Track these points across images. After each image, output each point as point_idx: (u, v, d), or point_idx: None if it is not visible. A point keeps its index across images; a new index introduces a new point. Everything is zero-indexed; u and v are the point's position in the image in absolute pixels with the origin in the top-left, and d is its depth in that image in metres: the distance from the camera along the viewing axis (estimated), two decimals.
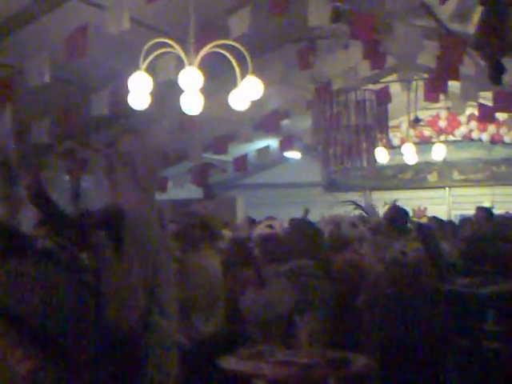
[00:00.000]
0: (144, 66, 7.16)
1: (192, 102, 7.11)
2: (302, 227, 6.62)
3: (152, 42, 7.10)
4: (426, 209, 17.53)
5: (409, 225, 7.80)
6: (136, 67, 7.20)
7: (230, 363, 5.60)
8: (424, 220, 13.80)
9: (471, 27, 7.22)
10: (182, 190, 15.24)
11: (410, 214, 11.59)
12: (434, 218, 11.81)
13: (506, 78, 7.56)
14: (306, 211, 11.97)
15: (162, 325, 4.80)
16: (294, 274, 6.09)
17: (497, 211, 14.61)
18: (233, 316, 6.80)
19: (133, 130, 10.59)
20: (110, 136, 10.68)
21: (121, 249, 4.68)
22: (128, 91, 7.36)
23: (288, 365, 5.35)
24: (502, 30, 5.37)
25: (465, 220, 11.74)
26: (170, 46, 7.25)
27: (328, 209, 12.40)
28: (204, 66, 7.25)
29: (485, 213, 9.97)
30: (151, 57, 7.25)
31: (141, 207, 4.88)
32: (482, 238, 9.12)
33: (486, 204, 15.79)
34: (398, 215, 7.31)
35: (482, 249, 8.62)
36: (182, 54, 7.14)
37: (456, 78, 8.87)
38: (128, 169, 4.88)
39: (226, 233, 9.87)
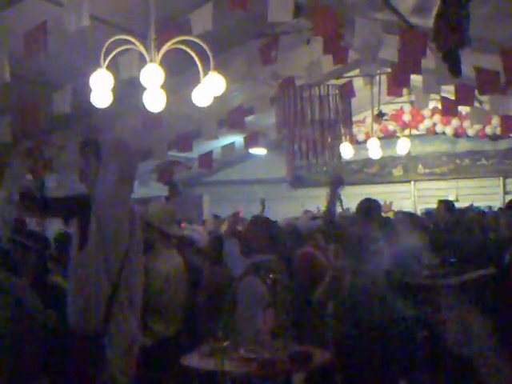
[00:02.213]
0: (105, 63, 7.11)
1: (154, 99, 7.07)
2: (260, 223, 6.61)
3: (112, 39, 7.05)
4: (391, 203, 17.60)
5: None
6: (98, 65, 7.15)
7: (192, 361, 5.59)
8: (390, 214, 13.85)
9: (432, 20, 7.25)
10: (147, 188, 15.17)
11: None
12: (401, 212, 11.85)
13: (466, 70, 7.63)
14: (263, 202, 12.01)
15: (123, 323, 4.78)
16: (260, 269, 6.09)
17: (461, 204, 14.75)
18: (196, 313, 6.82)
19: (96, 129, 10.54)
20: (77, 133, 10.60)
21: (85, 238, 4.68)
22: (90, 89, 7.31)
23: (251, 361, 5.35)
24: (458, 22, 5.41)
25: (429, 213, 11.83)
26: (132, 43, 7.20)
27: (294, 204, 12.42)
28: (167, 63, 7.21)
29: (446, 205, 10.04)
30: (112, 54, 7.19)
31: (117, 201, 4.88)
32: (442, 230, 9.20)
33: (451, 197, 15.94)
34: (371, 207, 7.33)
35: (442, 240, 8.69)
36: (144, 51, 7.10)
37: (418, 71, 8.91)
38: (111, 162, 4.89)
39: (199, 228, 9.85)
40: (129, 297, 4.87)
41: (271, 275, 6.07)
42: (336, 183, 7.05)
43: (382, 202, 15.90)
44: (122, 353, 4.78)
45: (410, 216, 10.47)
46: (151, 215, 6.41)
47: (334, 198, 7.09)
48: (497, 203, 16.30)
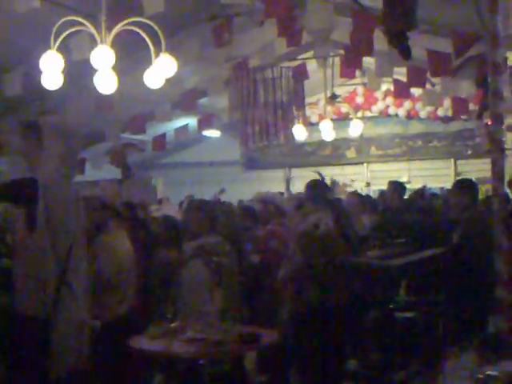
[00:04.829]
0: (56, 45, 7.04)
1: (106, 81, 7.03)
2: (198, 206, 6.66)
3: (62, 21, 6.98)
4: (345, 185, 17.69)
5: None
6: (49, 47, 7.08)
7: (141, 343, 5.60)
8: (343, 196, 13.94)
9: None
10: (100, 171, 15.08)
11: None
12: (354, 193, 11.92)
13: (418, 52, 7.69)
14: (222, 191, 12.07)
15: (71, 304, 4.77)
16: (204, 251, 6.14)
17: (414, 185, 14.90)
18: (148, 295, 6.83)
19: (48, 111, 10.43)
20: (26, 117, 10.47)
21: (34, 221, 4.65)
22: (41, 71, 7.23)
23: (199, 342, 5.38)
24: (406, 5, 5.44)
25: (381, 194, 11.93)
26: (83, 25, 7.14)
27: (248, 186, 12.44)
28: (119, 45, 7.16)
29: (395, 187, 10.14)
30: (63, 36, 7.12)
31: (61, 184, 4.86)
32: (392, 211, 9.30)
33: (404, 178, 16.07)
34: (317, 188, 7.35)
35: (392, 221, 8.79)
36: (95, 33, 7.05)
37: (370, 53, 8.98)
38: (53, 145, 4.85)
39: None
40: (76, 279, 4.86)
41: (214, 258, 6.12)
42: None
43: (335, 184, 16.12)
44: (71, 335, 4.78)
45: (360, 197, 10.57)
46: (107, 196, 6.46)
47: None
48: (449, 184, 16.45)
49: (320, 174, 7.51)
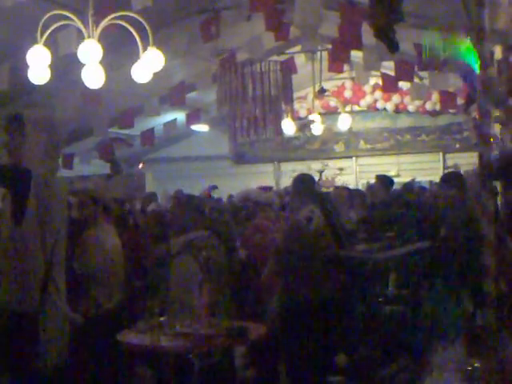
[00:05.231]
0: (42, 39, 6.99)
1: (93, 76, 6.98)
2: (185, 201, 6.65)
3: (49, 15, 6.94)
4: (333, 179, 17.70)
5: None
6: (35, 41, 7.04)
7: (129, 337, 5.60)
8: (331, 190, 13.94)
9: None
10: (89, 165, 15.06)
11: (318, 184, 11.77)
12: (343, 187, 11.94)
13: (406, 46, 7.68)
14: (214, 187, 12.11)
15: (57, 300, 4.76)
16: (193, 246, 6.14)
17: (402, 179, 14.92)
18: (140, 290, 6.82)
19: (35, 105, 10.39)
20: (12, 111, 10.43)
21: (23, 212, 4.63)
22: (28, 66, 7.20)
23: (187, 336, 5.39)
24: None
25: (369, 188, 11.93)
26: (70, 19, 7.10)
27: (237, 181, 12.46)
28: (106, 39, 7.13)
29: (383, 180, 10.15)
30: (50, 30, 7.08)
31: (46, 177, 4.84)
32: (379, 205, 9.30)
33: (392, 172, 16.11)
34: (305, 182, 7.35)
35: (379, 215, 8.79)
36: (82, 27, 7.01)
37: (357, 47, 8.97)
38: (36, 138, 4.83)
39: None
40: (60, 274, 4.85)
41: (204, 253, 6.12)
42: None
43: (324, 178, 16.16)
44: (56, 331, 4.77)
45: (347, 191, 10.57)
46: (96, 190, 6.46)
47: None
48: (437, 178, 16.49)
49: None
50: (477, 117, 4.28)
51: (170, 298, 6.22)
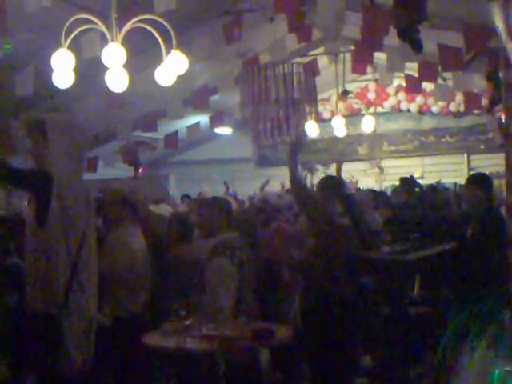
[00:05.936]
0: (67, 43, 7.03)
1: (117, 79, 7.00)
2: (218, 203, 6.60)
3: (73, 19, 6.97)
4: (357, 181, 17.66)
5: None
6: (59, 45, 7.07)
7: (154, 339, 5.59)
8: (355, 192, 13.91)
9: None
10: (113, 169, 15.11)
11: None
12: (368, 189, 11.93)
13: (429, 47, 7.64)
14: (226, 186, 12.19)
15: (80, 302, 4.77)
16: (226, 248, 6.08)
17: (427, 181, 14.85)
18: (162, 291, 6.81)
19: (59, 109, 10.44)
20: (36, 115, 10.49)
21: (45, 215, 4.65)
22: (52, 70, 7.23)
23: (213, 338, 5.37)
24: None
25: (394, 190, 11.91)
26: (93, 23, 7.13)
27: (260, 184, 12.46)
28: (130, 42, 7.15)
29: (407, 182, 10.11)
30: (74, 34, 7.11)
31: (70, 180, 4.86)
32: (404, 206, 9.27)
33: (416, 174, 16.03)
34: (331, 183, 7.33)
35: (404, 216, 8.76)
36: (105, 30, 7.03)
37: (380, 48, 8.94)
38: (58, 142, 4.85)
39: (165, 208, 9.87)
40: (87, 276, 4.86)
41: (238, 254, 6.08)
42: (295, 147, 6.75)
43: (347, 180, 16.12)
44: (81, 333, 4.78)
45: (372, 193, 10.55)
46: (126, 191, 6.44)
47: (293, 164, 6.51)
48: (462, 180, 16.40)
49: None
50: (502, 117, 4.25)
51: (198, 299, 6.17)
